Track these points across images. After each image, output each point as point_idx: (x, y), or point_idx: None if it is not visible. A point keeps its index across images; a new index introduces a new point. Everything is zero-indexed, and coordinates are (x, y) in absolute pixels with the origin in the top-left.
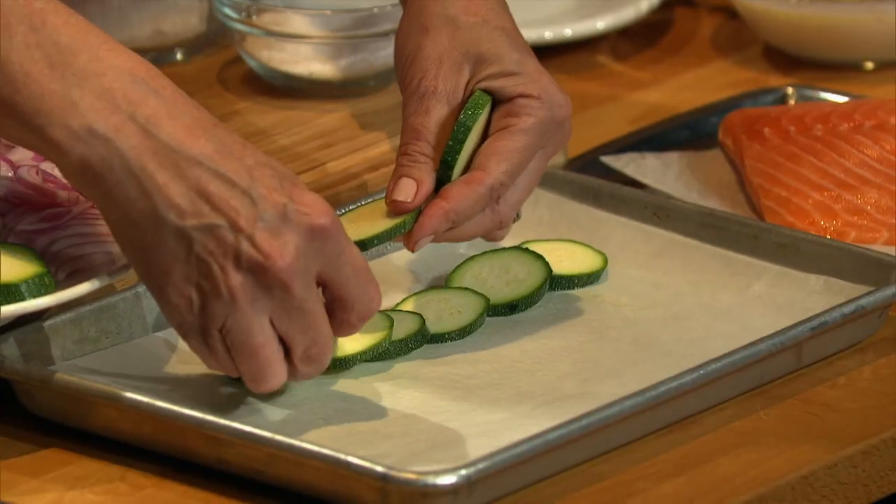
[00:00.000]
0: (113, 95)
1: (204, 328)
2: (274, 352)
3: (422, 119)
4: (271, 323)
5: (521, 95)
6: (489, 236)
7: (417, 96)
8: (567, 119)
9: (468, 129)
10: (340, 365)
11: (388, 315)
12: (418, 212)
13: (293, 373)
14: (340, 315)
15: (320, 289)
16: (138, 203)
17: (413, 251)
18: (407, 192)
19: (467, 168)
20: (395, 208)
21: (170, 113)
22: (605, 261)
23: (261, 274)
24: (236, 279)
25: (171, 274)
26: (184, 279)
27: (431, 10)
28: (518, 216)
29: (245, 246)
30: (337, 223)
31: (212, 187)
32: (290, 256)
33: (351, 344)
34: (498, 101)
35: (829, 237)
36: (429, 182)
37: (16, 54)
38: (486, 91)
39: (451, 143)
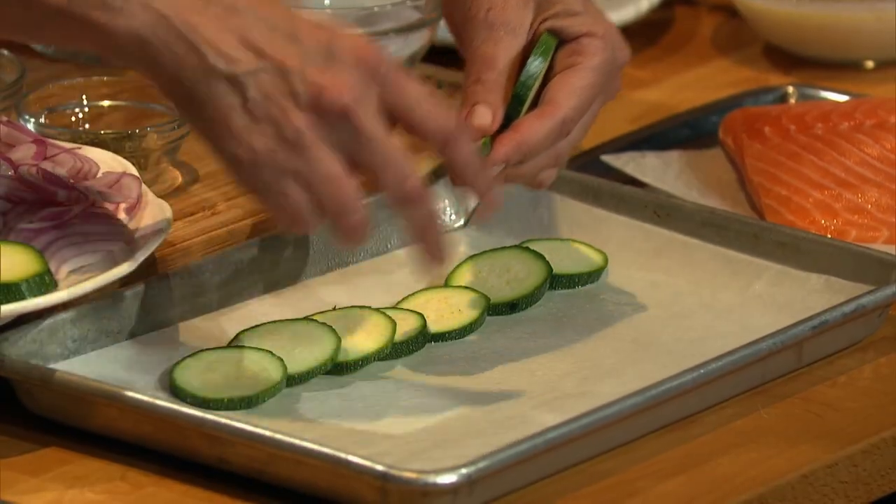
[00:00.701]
0: None
1: (277, 177)
2: (355, 187)
3: (493, 49)
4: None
5: (587, 35)
6: (539, 179)
7: (486, 26)
8: (624, 65)
9: (540, 67)
10: (345, 369)
11: (391, 318)
12: (488, 146)
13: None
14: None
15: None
16: (187, 59)
17: (486, 174)
18: (485, 117)
19: (533, 106)
20: (472, 134)
21: None
22: (606, 260)
23: (322, 107)
24: (300, 118)
25: (230, 125)
26: (244, 129)
27: None
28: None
29: (299, 84)
30: (385, 54)
31: (255, 33)
32: (346, 85)
33: (354, 349)
34: (562, 41)
35: (829, 236)
36: (501, 111)
37: None
38: (552, 31)
39: (522, 79)
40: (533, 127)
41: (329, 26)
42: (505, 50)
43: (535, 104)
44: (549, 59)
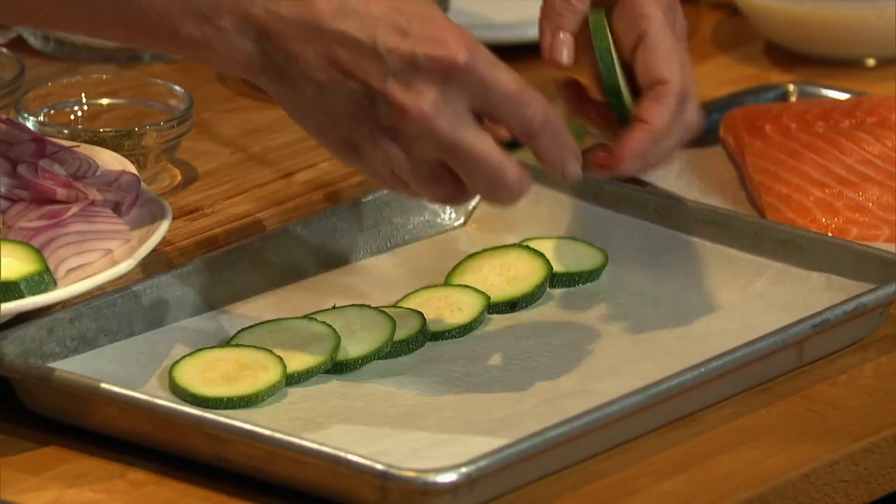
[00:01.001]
0: None
1: (376, 173)
2: (452, 178)
3: None
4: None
5: None
6: (664, 158)
7: None
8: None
9: (610, 52)
10: (345, 368)
11: (391, 316)
12: (583, 130)
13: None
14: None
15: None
16: (282, 79)
17: (624, 170)
18: (567, 56)
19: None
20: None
21: None
22: (606, 258)
23: (403, 128)
24: (383, 139)
25: (329, 135)
26: (341, 140)
27: None
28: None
29: (381, 106)
30: (475, 54)
31: (338, 52)
32: (426, 103)
33: (354, 347)
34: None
35: (830, 234)
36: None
37: None
38: (594, 5)
39: (604, 75)
40: (657, 113)
41: (419, 25)
42: None
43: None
44: (607, 33)
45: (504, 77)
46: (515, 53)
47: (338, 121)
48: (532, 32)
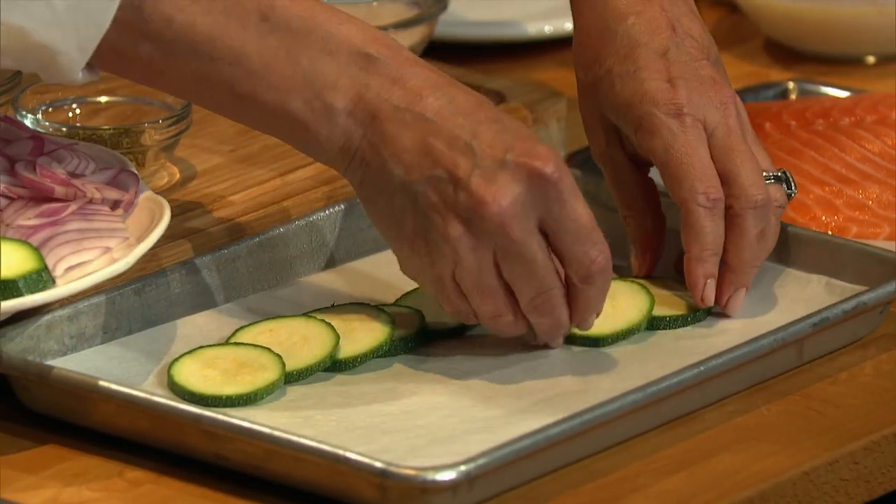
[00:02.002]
0: (347, 72)
1: (438, 277)
2: (504, 294)
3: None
4: (497, 269)
5: (642, 118)
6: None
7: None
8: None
9: None
10: (344, 366)
11: (389, 315)
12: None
13: (529, 324)
14: (563, 270)
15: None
16: (373, 163)
17: (708, 303)
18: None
19: None
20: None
21: (400, 77)
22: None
23: (478, 220)
24: (456, 228)
25: (403, 227)
26: (413, 232)
27: None
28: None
29: (462, 195)
30: (563, 174)
31: (435, 141)
32: (506, 200)
33: (353, 346)
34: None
35: (830, 233)
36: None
37: (253, 46)
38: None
39: None
40: (688, 239)
41: (516, 139)
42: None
43: None
44: None
45: (582, 207)
46: (513, 51)
47: (416, 208)
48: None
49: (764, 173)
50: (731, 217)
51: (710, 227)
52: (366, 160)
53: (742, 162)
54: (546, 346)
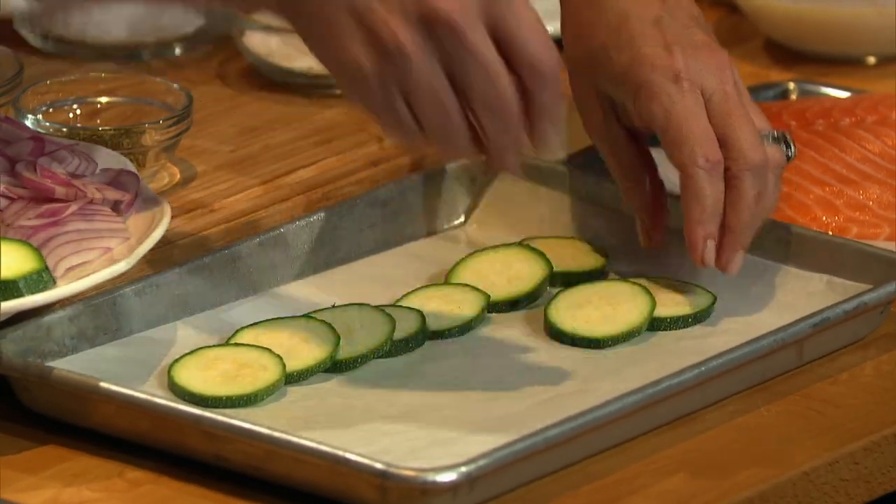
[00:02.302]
0: None
1: (386, 94)
2: (457, 105)
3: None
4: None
5: (640, 87)
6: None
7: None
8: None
9: None
10: (344, 367)
11: (390, 315)
12: None
13: (484, 142)
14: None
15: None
16: None
17: (708, 265)
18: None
19: None
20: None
21: None
22: (607, 258)
23: (430, 22)
24: (406, 33)
25: (341, 38)
26: (355, 42)
27: None
28: (789, 153)
29: (409, 1)
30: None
31: None
32: (456, 3)
33: (354, 346)
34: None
35: (830, 233)
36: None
37: None
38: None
39: None
40: (690, 201)
41: None
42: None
43: None
44: None
45: (529, 9)
46: None
47: (361, 23)
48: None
49: (762, 132)
50: (729, 179)
51: (709, 190)
52: None
53: (740, 126)
54: (501, 168)
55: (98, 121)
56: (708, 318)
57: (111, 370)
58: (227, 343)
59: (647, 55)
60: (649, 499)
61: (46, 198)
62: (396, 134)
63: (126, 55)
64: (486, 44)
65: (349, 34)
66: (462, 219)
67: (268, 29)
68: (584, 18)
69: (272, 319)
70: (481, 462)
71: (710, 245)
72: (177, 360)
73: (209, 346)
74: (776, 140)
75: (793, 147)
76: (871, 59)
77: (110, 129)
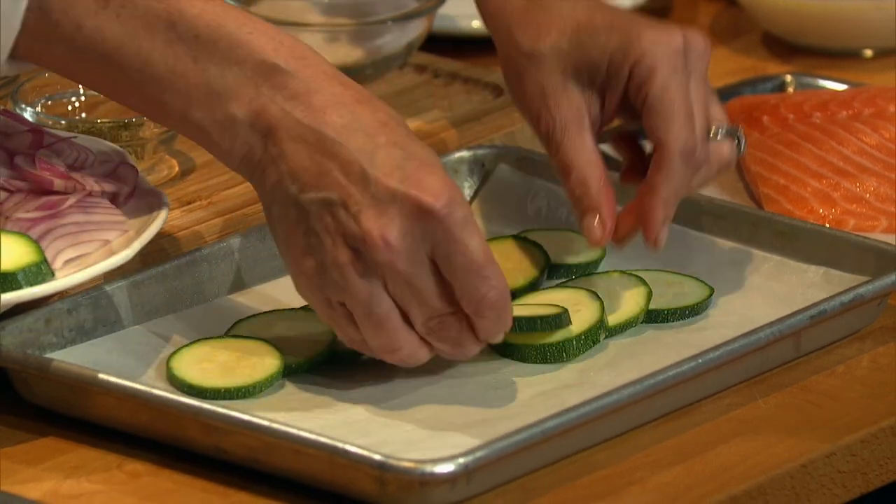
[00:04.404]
0: (252, 83)
1: (328, 301)
2: (397, 320)
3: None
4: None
5: (634, 64)
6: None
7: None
8: (694, 40)
9: None
10: (343, 359)
11: None
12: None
13: (429, 348)
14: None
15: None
16: (271, 176)
17: (659, 247)
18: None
19: None
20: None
21: (308, 91)
22: (604, 250)
23: (366, 251)
24: (344, 255)
25: (294, 246)
26: (304, 251)
27: None
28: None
29: (351, 224)
30: (453, 208)
31: (331, 164)
32: (392, 235)
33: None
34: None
35: (827, 225)
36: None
37: (158, 53)
38: None
39: None
40: (660, 180)
41: (416, 168)
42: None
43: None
44: None
45: (474, 242)
46: None
47: (308, 227)
48: None
49: (719, 126)
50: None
51: (682, 174)
52: (266, 173)
53: (697, 111)
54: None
55: (96, 113)
56: (705, 311)
57: (110, 362)
58: (225, 335)
59: (647, 29)
60: (646, 490)
61: (45, 190)
62: (346, 339)
63: None
64: (417, 274)
65: (303, 244)
66: None
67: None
68: (536, 15)
69: (270, 312)
70: (479, 454)
71: (666, 229)
72: (175, 353)
73: (207, 339)
74: (729, 134)
75: (743, 143)
76: (869, 53)
77: (109, 122)
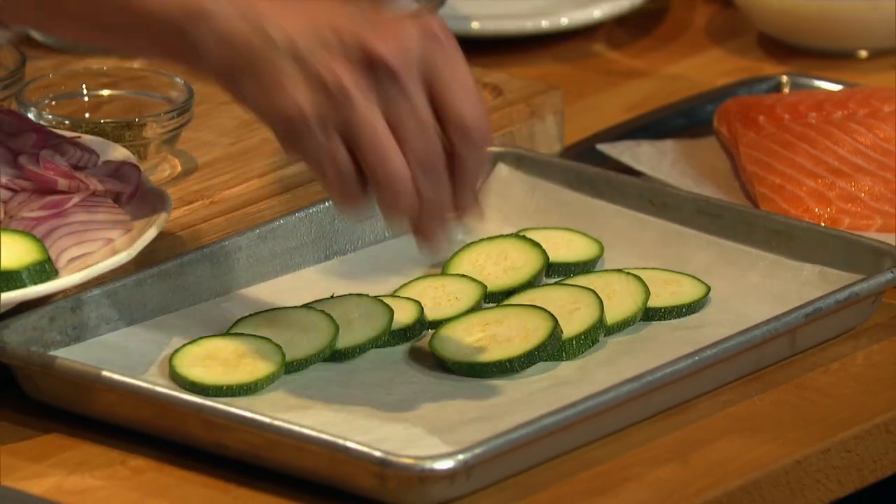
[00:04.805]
0: None
1: (328, 139)
2: (398, 149)
3: None
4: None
5: None
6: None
7: None
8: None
9: None
10: (343, 356)
11: (388, 305)
12: None
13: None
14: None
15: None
16: (244, 32)
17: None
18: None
19: None
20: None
21: None
22: (601, 249)
23: (370, 65)
24: (348, 75)
25: (284, 86)
26: (298, 89)
27: None
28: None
29: (349, 38)
30: (449, 35)
31: (318, 5)
32: (398, 45)
33: (352, 336)
34: None
35: (823, 224)
36: None
37: None
38: None
39: None
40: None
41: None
42: None
43: None
44: None
45: (466, 69)
46: (510, 45)
47: (306, 69)
48: (545, 23)
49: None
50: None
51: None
52: (234, 31)
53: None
54: (428, 243)
55: (100, 114)
56: (702, 309)
57: (113, 360)
58: (227, 333)
59: None
60: (644, 486)
61: (49, 189)
62: (336, 189)
63: None
64: (419, 93)
65: (292, 81)
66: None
67: None
68: None
69: (271, 309)
70: (478, 450)
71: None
72: (178, 350)
73: (210, 336)
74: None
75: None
76: (864, 53)
77: (112, 122)
